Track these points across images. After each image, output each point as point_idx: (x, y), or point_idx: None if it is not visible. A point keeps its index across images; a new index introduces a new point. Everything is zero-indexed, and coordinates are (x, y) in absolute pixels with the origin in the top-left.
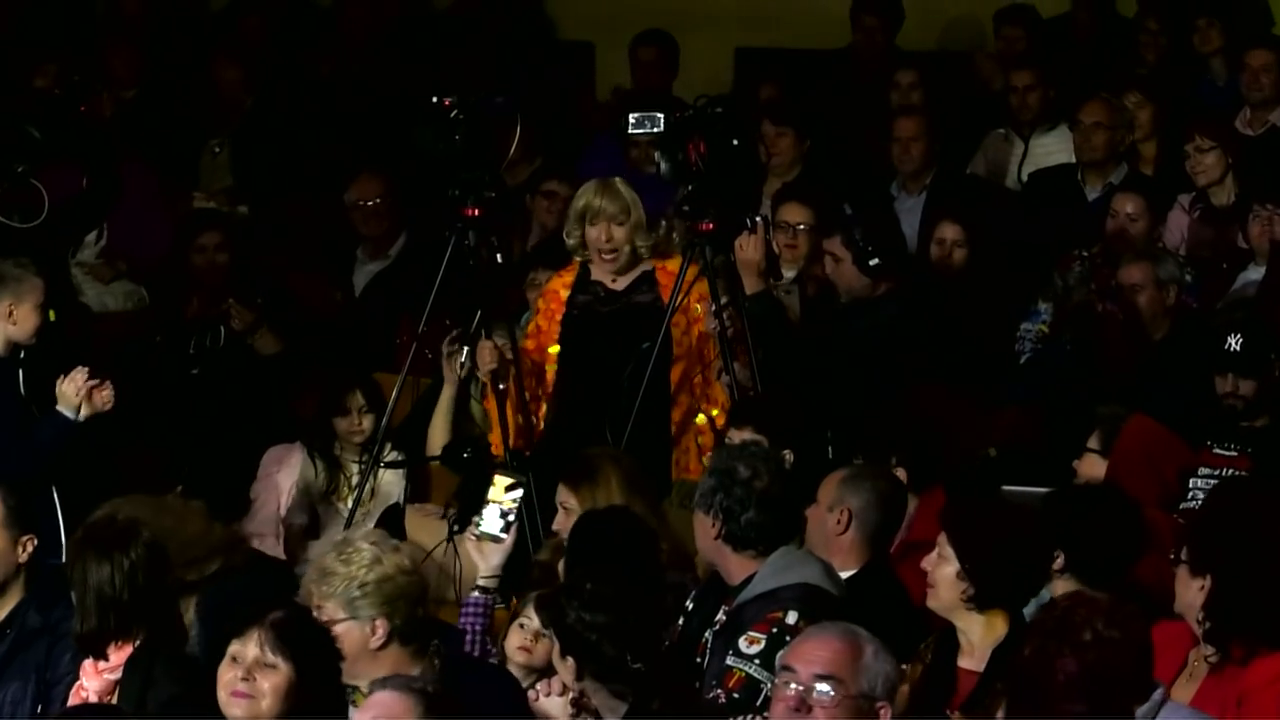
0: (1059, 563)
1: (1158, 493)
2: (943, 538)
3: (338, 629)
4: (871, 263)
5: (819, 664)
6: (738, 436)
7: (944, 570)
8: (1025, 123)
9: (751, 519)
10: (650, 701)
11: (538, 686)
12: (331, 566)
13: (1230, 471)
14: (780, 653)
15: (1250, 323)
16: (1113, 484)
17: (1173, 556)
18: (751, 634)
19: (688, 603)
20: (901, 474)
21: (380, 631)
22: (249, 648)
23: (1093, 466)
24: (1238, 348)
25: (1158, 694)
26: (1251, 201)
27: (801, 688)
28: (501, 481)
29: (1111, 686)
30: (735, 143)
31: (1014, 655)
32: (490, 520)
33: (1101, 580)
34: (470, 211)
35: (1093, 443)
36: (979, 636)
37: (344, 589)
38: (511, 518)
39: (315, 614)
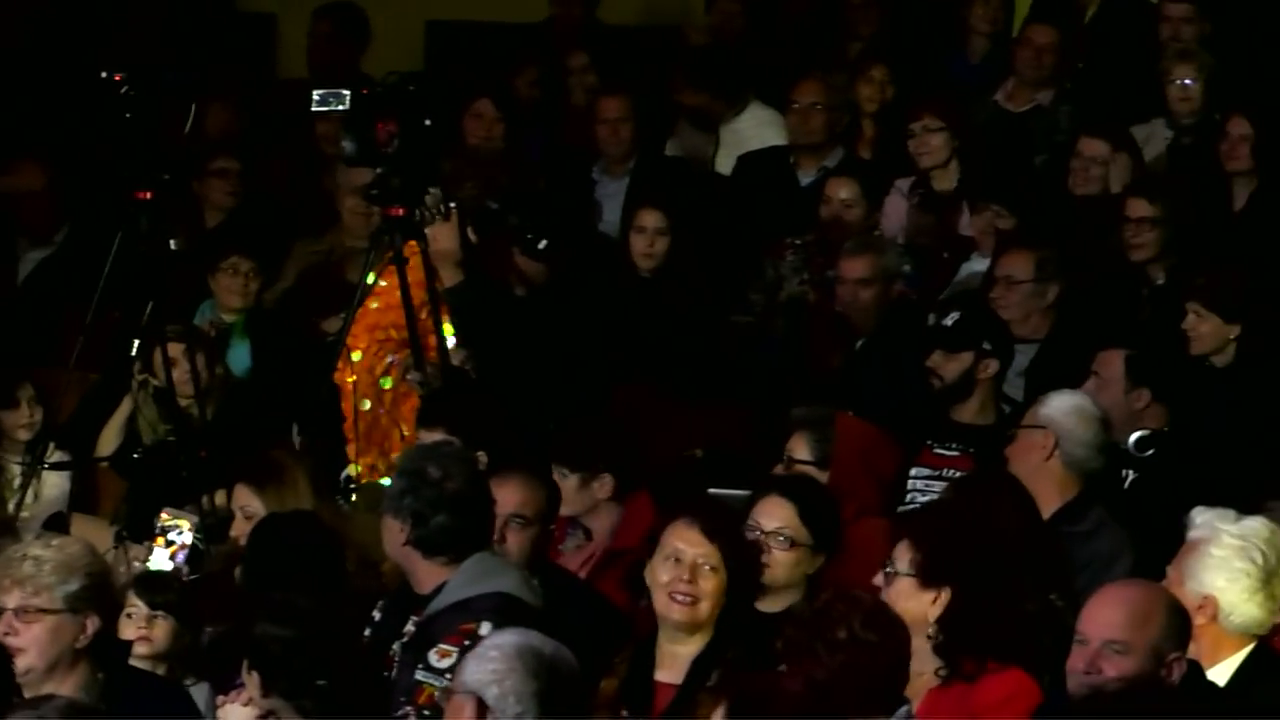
0: None
1: (878, 497)
2: (710, 549)
3: (41, 623)
4: (540, 245)
5: None
6: (429, 438)
7: (714, 584)
8: (714, 111)
9: (442, 523)
10: None
11: (228, 695)
12: (39, 553)
13: (951, 472)
14: None
15: (973, 304)
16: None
17: (889, 568)
18: (443, 647)
19: (375, 613)
20: (609, 480)
21: (90, 630)
22: None
23: None
24: (949, 324)
25: (903, 710)
26: (975, 189)
27: None
28: (168, 518)
29: (856, 692)
30: (429, 123)
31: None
32: (159, 558)
33: None
34: (142, 194)
35: (801, 453)
36: (690, 649)
37: (60, 578)
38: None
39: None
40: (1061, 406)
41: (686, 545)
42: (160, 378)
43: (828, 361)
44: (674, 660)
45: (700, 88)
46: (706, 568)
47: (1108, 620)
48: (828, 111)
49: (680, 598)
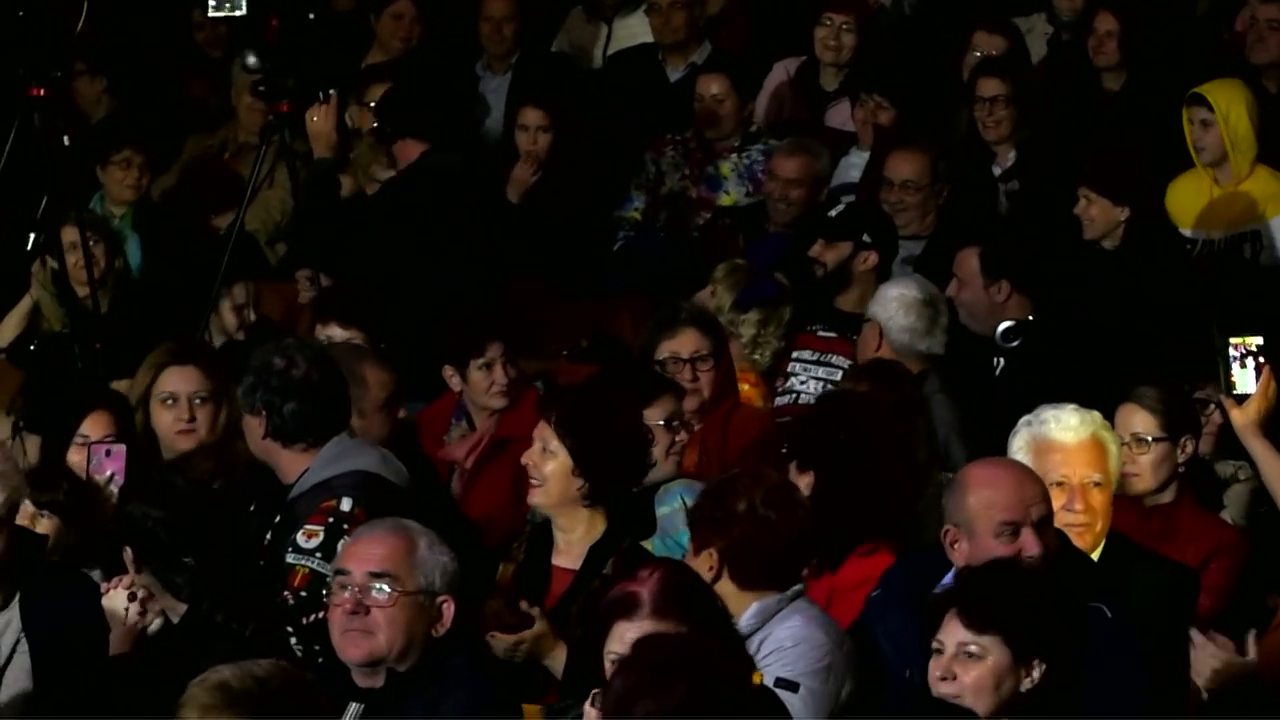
0: None
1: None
2: (547, 431)
3: None
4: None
5: (372, 562)
6: (322, 333)
7: (554, 465)
8: (608, 5)
9: (294, 410)
10: (201, 600)
11: (111, 581)
12: None
13: (831, 356)
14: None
15: (860, 198)
16: None
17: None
18: (309, 527)
19: (251, 506)
20: (504, 371)
21: None
22: None
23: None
24: (833, 214)
25: (796, 588)
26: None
27: (357, 589)
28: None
29: (749, 565)
30: (311, 17)
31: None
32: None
33: None
34: (36, 91)
35: (704, 348)
36: (580, 534)
37: None
38: None
39: None
40: (883, 297)
41: (534, 434)
42: (58, 262)
43: (714, 254)
44: (569, 546)
45: None
46: (545, 451)
47: None
48: (687, 8)
49: (532, 482)
